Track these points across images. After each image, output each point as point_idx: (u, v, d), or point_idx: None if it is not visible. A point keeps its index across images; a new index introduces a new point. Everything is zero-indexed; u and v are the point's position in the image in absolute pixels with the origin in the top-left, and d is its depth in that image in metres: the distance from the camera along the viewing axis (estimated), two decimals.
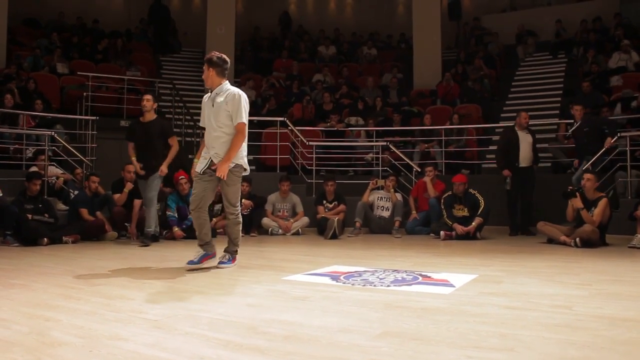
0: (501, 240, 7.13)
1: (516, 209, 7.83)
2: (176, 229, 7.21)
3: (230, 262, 4.67)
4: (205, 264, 4.55)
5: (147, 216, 6.59)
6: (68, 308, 3.10)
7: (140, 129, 6.69)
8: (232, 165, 4.48)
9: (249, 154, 4.61)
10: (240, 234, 4.84)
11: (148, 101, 6.69)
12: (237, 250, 4.79)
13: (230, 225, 4.75)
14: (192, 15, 16.25)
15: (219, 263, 4.63)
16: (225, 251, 4.75)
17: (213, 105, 4.48)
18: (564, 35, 13.81)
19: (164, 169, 6.49)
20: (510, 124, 8.82)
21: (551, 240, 6.64)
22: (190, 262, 4.45)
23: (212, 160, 4.50)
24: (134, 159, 6.65)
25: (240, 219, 4.76)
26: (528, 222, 7.70)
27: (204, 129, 4.72)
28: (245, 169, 4.63)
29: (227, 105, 4.42)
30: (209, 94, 4.58)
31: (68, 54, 12.61)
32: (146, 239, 6.46)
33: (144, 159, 6.57)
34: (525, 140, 7.82)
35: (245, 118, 4.48)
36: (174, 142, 6.73)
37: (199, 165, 4.59)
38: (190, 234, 7.09)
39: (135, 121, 7.05)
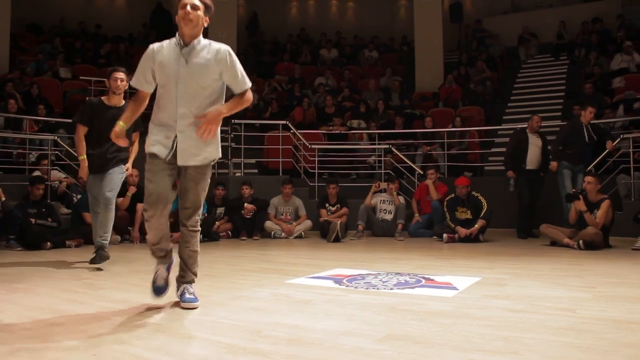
0: (504, 243, 7.12)
1: (524, 212, 7.74)
2: None
3: (195, 299, 3.27)
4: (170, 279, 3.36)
5: (104, 221, 5.04)
6: (72, 312, 3.11)
7: (104, 113, 4.98)
8: (212, 158, 3.26)
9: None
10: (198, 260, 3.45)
11: (122, 81, 5.05)
12: (194, 279, 3.41)
13: (190, 243, 3.35)
14: None
15: (183, 300, 3.27)
16: (182, 282, 3.37)
17: (187, 62, 3.08)
18: (566, 37, 13.81)
19: (130, 168, 5.27)
20: (513, 126, 8.82)
21: (554, 243, 6.64)
22: (158, 291, 3.27)
23: (176, 142, 3.12)
24: (83, 158, 5.00)
25: (199, 237, 3.42)
26: (531, 224, 7.67)
27: (135, 90, 3.30)
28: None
29: (218, 64, 3.11)
30: (171, 44, 3.15)
31: (71, 59, 12.65)
32: (101, 256, 4.98)
33: (104, 150, 5.00)
34: (534, 144, 7.76)
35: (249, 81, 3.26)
36: (137, 138, 5.31)
37: (159, 150, 3.13)
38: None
39: (97, 101, 5.19)
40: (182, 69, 3.08)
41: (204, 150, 3.19)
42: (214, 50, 3.14)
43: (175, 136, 3.12)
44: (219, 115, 3.11)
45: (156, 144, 3.15)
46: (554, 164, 7.57)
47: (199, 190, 3.30)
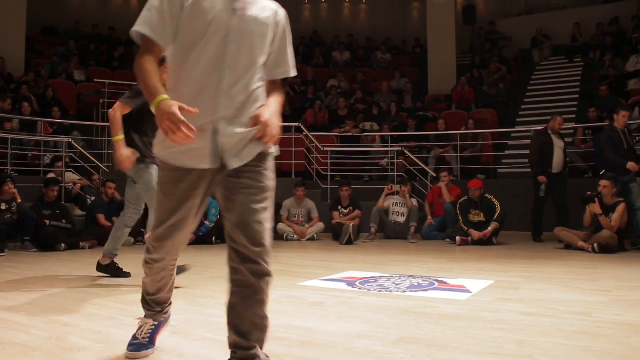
0: (518, 246, 7.06)
1: (542, 215, 7.51)
2: None
3: None
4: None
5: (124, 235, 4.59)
6: (86, 313, 3.13)
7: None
8: (271, 149, 2.06)
9: None
10: None
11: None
12: None
13: (255, 299, 2.19)
14: None
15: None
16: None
17: (242, 13, 1.94)
18: (580, 39, 13.69)
19: None
20: (527, 128, 8.73)
21: (568, 246, 6.58)
22: (136, 348, 2.32)
23: (218, 135, 1.92)
24: (121, 138, 3.94)
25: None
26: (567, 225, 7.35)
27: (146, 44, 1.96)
28: None
29: (276, 27, 2.05)
30: None
31: (85, 62, 12.79)
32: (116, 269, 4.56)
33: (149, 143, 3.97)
34: (558, 146, 7.50)
35: None
36: None
37: (195, 157, 1.95)
38: (201, 240, 7.16)
39: None
40: (235, 21, 1.93)
41: (254, 138, 1.97)
42: (272, 9, 2.05)
43: (214, 126, 1.91)
44: (277, 115, 2.01)
45: (184, 149, 1.90)
46: (632, 165, 6.65)
47: (266, 203, 1.99)
